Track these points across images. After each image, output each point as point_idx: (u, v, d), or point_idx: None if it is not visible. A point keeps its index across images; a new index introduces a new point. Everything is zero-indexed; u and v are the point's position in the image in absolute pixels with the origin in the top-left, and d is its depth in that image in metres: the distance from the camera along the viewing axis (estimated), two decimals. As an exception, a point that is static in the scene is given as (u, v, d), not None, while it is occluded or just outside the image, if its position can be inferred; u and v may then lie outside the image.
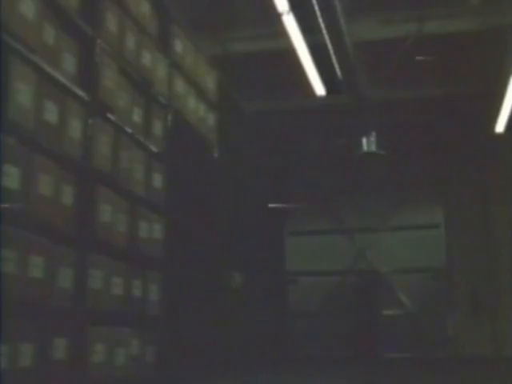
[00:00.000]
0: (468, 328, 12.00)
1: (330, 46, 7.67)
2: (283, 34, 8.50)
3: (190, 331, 6.46)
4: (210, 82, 7.48)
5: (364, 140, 10.68)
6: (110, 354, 4.44)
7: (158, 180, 5.58)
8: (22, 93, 3.68)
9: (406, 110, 11.64)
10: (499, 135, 10.90)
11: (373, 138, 10.73)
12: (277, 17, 7.99)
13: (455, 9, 9.06)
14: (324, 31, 7.26)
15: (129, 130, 5.11)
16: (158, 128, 5.73)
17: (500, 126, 10.93)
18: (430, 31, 9.56)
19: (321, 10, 6.77)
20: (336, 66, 8.21)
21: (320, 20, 7.00)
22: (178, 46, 6.49)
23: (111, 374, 4.44)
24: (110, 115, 4.78)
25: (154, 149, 5.58)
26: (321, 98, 10.96)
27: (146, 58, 5.57)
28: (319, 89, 10.67)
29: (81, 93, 4.39)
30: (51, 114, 4.00)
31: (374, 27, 9.35)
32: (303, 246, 12.93)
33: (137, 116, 5.35)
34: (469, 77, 10.77)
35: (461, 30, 9.67)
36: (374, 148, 10.79)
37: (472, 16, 9.10)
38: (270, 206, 11.26)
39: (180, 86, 6.42)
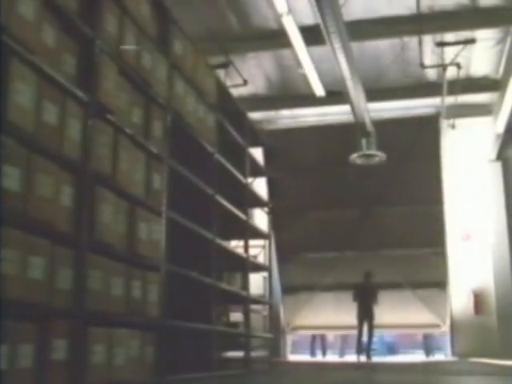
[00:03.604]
0: (468, 329, 11.99)
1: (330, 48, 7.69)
2: (283, 34, 8.53)
3: (188, 331, 6.47)
4: (209, 83, 7.48)
5: (364, 141, 10.65)
6: (110, 355, 4.43)
7: (157, 181, 5.58)
8: (22, 93, 3.68)
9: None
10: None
11: (373, 139, 10.70)
12: (277, 17, 8.01)
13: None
14: (324, 32, 7.27)
15: (128, 131, 5.10)
16: (157, 129, 5.73)
17: (500, 127, 10.94)
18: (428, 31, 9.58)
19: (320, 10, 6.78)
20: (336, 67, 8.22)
21: (320, 21, 7.01)
22: (178, 46, 6.49)
23: (111, 375, 4.44)
24: (109, 116, 4.78)
25: (153, 150, 5.58)
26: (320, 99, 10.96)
27: (146, 59, 5.57)
28: (319, 90, 10.68)
29: (80, 94, 4.38)
30: (51, 114, 3.99)
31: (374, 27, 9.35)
32: None
33: (136, 117, 5.34)
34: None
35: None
36: (374, 149, 10.77)
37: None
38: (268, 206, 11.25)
39: (180, 87, 6.42)
